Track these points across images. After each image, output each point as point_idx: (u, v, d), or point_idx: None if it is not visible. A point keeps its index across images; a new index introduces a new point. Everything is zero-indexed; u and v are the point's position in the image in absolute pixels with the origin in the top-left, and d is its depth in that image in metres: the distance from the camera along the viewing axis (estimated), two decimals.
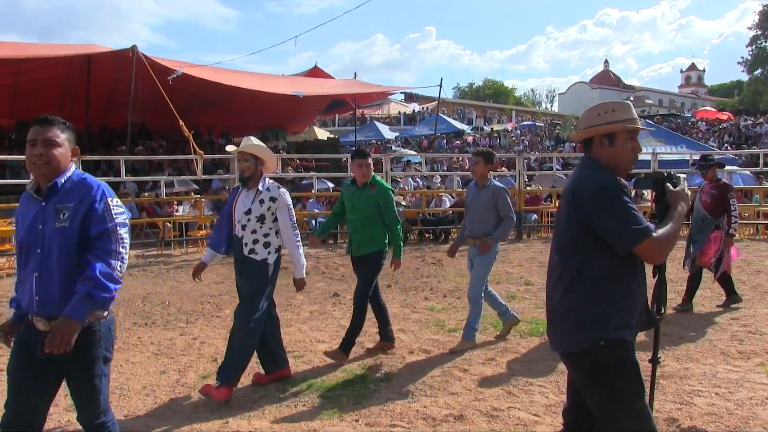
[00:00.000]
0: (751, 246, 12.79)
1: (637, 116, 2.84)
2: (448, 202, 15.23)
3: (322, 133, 31.95)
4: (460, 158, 25.74)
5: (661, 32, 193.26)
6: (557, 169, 19.42)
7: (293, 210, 5.02)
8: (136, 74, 16.50)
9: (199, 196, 14.76)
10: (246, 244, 4.87)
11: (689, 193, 2.89)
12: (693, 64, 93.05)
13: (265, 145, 5.05)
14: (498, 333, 6.46)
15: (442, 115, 37.87)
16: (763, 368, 5.37)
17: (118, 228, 2.89)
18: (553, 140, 38.08)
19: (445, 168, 23.67)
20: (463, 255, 11.87)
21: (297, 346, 6.16)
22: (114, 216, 2.90)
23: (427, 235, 14.78)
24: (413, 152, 28.44)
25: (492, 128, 45.08)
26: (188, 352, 6.04)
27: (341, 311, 7.54)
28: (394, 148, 33.48)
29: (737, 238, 14.32)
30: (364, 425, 4.34)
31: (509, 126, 47.01)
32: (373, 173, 5.84)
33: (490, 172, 6.23)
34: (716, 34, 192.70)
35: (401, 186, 17.52)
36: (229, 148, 5.36)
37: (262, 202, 4.86)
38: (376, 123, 38.45)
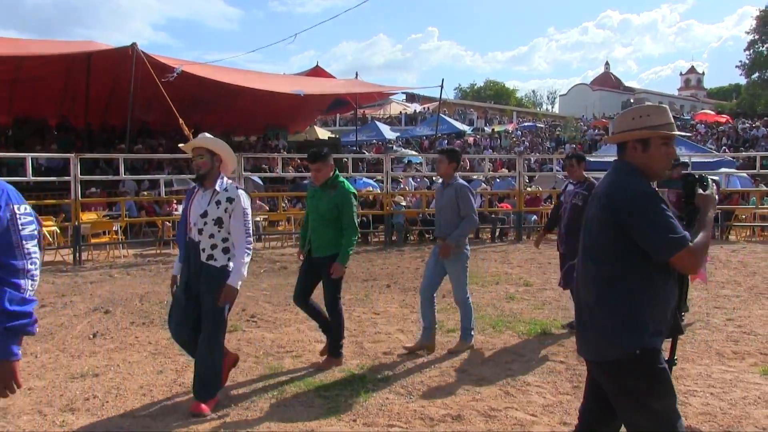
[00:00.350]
0: (747, 248, 12.83)
1: (672, 121, 2.77)
2: None
3: (323, 133, 31.97)
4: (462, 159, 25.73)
5: (661, 35, 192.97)
6: (557, 171, 19.45)
7: (250, 215, 4.65)
8: (136, 72, 16.51)
9: None
10: (203, 250, 4.51)
11: (717, 197, 2.85)
12: (692, 67, 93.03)
13: (220, 140, 4.72)
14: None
15: (443, 116, 37.86)
16: (757, 368, 5.40)
17: (24, 241, 2.45)
18: (553, 141, 38.11)
19: None
20: None
21: (295, 346, 6.16)
22: (20, 227, 2.45)
23: (427, 235, 14.77)
24: (414, 152, 28.45)
25: (493, 129, 45.09)
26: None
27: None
28: (395, 148, 33.48)
29: (733, 240, 14.46)
30: (361, 425, 4.34)
31: (510, 127, 47.02)
32: (338, 174, 5.63)
33: (457, 171, 6.16)
34: (715, 37, 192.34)
35: (402, 186, 17.53)
36: (182, 145, 4.92)
37: (218, 203, 4.51)
38: (377, 123, 38.45)
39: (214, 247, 4.51)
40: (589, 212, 2.84)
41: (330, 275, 5.45)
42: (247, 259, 4.56)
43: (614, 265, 2.66)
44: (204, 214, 4.50)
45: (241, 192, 4.61)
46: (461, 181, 6.11)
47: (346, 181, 5.65)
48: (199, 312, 4.58)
